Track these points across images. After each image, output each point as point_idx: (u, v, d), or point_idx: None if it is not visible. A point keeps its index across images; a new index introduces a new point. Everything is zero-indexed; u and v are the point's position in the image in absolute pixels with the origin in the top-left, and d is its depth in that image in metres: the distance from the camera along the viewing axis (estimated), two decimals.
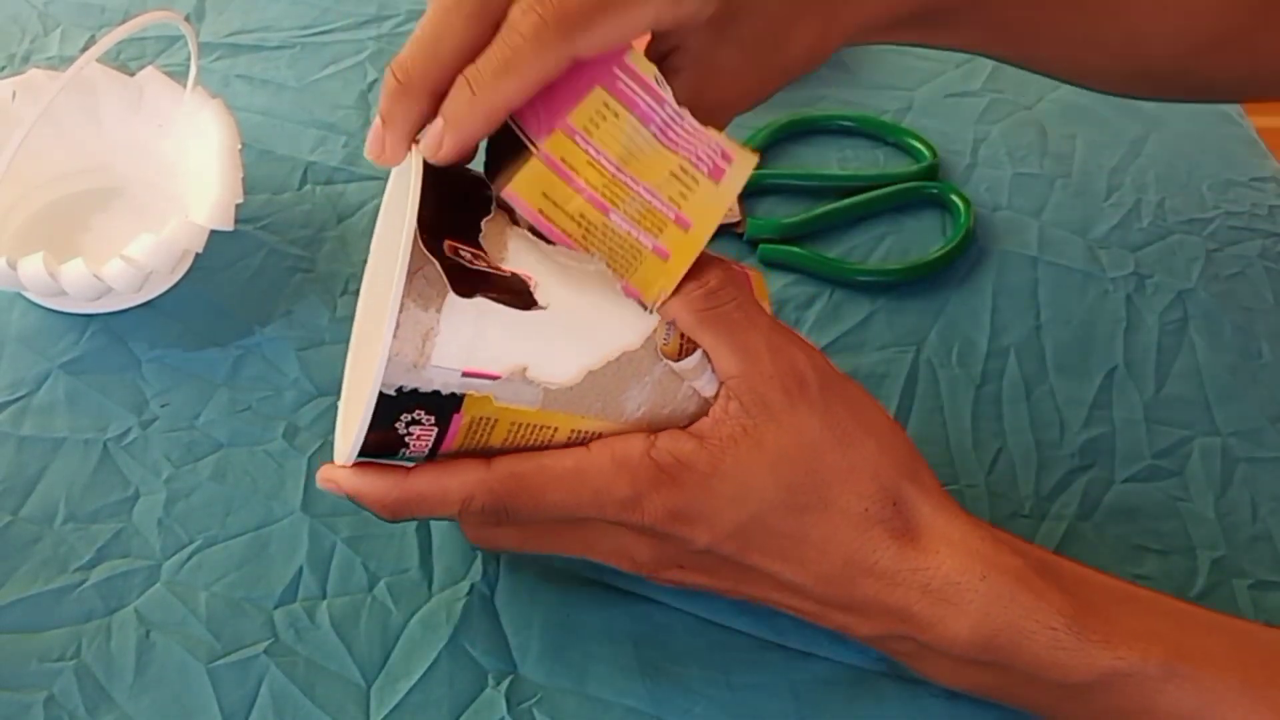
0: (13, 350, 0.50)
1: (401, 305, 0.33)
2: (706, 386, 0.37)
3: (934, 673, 0.38)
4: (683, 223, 0.35)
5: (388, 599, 0.43)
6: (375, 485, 0.36)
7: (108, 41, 0.47)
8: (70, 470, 0.46)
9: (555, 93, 0.34)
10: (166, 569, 0.43)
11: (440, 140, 0.34)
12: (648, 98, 0.35)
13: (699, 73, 0.36)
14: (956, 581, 0.36)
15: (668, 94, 0.35)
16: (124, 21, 0.48)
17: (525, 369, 0.35)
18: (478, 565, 0.44)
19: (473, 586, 0.43)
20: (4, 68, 0.61)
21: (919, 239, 0.56)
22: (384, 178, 0.57)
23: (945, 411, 0.50)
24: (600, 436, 0.37)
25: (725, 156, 0.36)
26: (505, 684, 0.41)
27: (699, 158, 0.35)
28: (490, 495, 0.36)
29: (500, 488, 0.36)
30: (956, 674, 0.38)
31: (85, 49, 0.60)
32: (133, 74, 0.53)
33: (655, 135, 0.35)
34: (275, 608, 0.43)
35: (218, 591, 0.43)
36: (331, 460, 0.38)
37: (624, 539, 0.38)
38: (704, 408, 0.37)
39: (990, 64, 0.65)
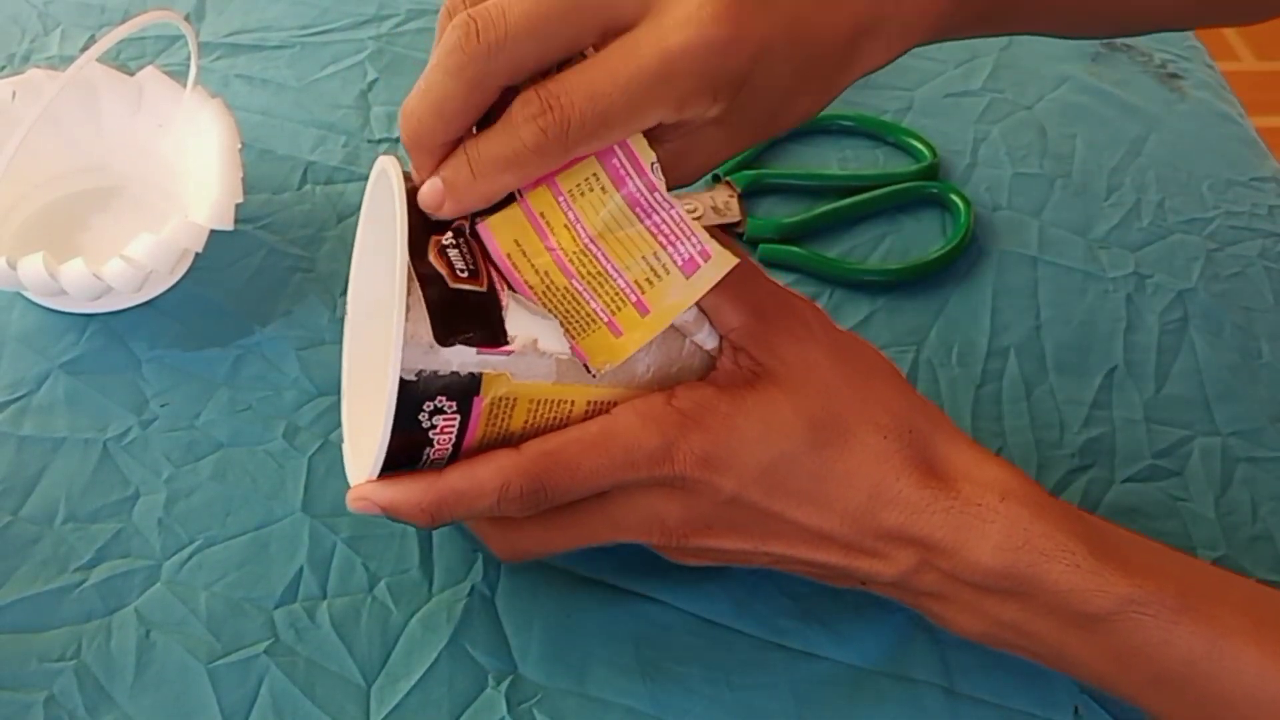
0: (13, 350, 0.50)
1: (409, 288, 0.33)
2: (707, 340, 0.38)
3: (956, 615, 0.38)
4: (641, 308, 0.36)
5: (388, 599, 0.43)
6: (409, 492, 0.36)
7: (107, 41, 0.47)
8: (70, 470, 0.46)
9: None
10: (166, 569, 0.43)
11: (441, 200, 0.35)
12: (639, 181, 0.35)
13: (683, 144, 0.37)
14: (978, 503, 0.36)
15: (660, 182, 0.36)
16: (124, 21, 0.48)
17: (536, 340, 0.35)
18: (478, 565, 0.44)
19: (473, 587, 0.43)
20: (4, 67, 0.61)
21: (919, 239, 0.56)
22: None
23: (945, 411, 0.49)
24: (615, 405, 0.37)
25: (704, 254, 0.36)
26: (505, 684, 0.41)
27: (676, 249, 0.36)
28: (525, 477, 0.36)
29: (534, 467, 0.36)
30: (979, 612, 0.38)
31: (85, 49, 0.60)
32: (133, 74, 0.53)
33: (638, 218, 0.35)
34: (275, 608, 0.43)
35: (218, 591, 0.43)
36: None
37: (653, 503, 0.38)
38: (709, 364, 0.38)
39: (990, 64, 0.65)
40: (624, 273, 0.35)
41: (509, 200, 0.35)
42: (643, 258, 0.35)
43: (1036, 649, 0.38)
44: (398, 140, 0.58)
